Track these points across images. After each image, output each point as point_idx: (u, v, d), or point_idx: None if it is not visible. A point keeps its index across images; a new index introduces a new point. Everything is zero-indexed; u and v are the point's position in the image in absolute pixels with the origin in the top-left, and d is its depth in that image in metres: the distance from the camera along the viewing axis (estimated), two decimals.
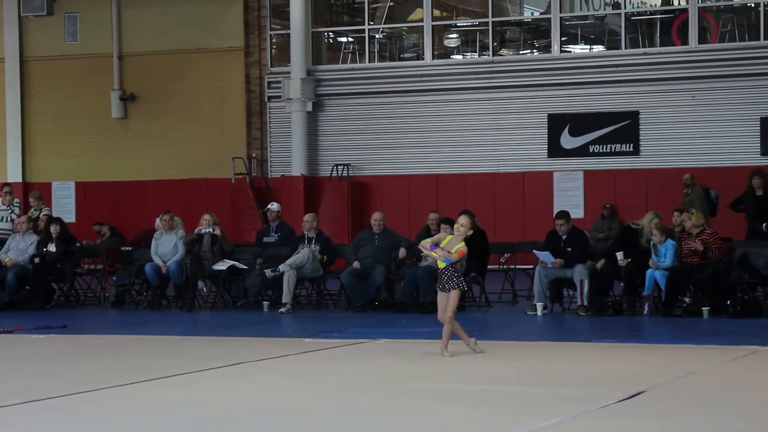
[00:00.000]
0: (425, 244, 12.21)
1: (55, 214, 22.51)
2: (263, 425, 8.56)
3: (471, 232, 12.13)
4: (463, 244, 11.96)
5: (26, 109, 30.45)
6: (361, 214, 26.48)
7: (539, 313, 16.97)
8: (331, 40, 29.77)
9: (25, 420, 8.83)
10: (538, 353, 12.87)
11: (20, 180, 29.89)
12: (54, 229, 19.35)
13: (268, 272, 18.01)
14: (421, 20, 27.87)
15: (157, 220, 19.65)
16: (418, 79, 27.54)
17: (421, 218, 20.13)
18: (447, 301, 11.96)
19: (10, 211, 21.46)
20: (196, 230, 18.89)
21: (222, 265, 18.61)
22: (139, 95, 29.52)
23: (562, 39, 27.02)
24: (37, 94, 30.35)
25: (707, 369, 11.32)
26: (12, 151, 30.46)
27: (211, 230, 18.67)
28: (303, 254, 18.10)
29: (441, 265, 12.03)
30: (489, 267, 18.72)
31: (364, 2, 28.25)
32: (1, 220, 21.54)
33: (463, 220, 12.11)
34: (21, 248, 19.19)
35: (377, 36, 28.76)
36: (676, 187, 24.39)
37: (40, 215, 21.31)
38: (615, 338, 14.09)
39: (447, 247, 11.97)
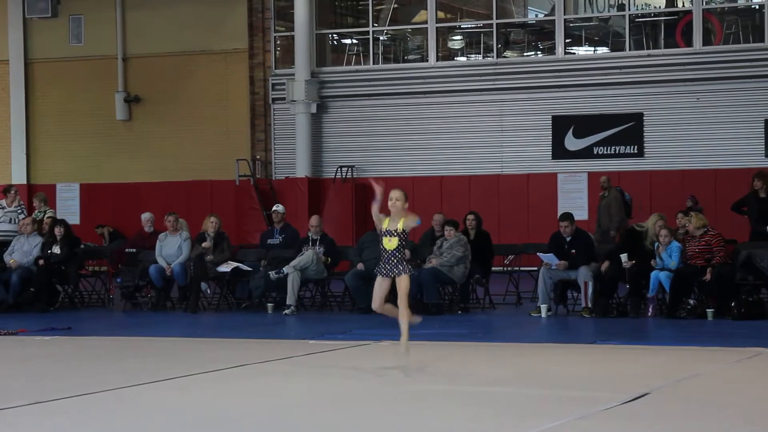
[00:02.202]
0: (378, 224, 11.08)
1: (59, 216, 22.54)
2: (267, 427, 8.56)
3: (406, 205, 11.03)
4: (409, 218, 10.92)
5: (31, 110, 30.49)
6: (365, 216, 26.44)
7: (543, 314, 16.96)
8: (335, 42, 29.78)
9: (29, 422, 8.84)
10: (543, 355, 12.86)
11: (24, 181, 29.92)
12: (58, 231, 19.36)
13: (272, 274, 18.02)
14: (426, 22, 27.88)
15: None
16: (422, 80, 27.55)
17: (426, 220, 20.14)
18: (384, 290, 10.95)
19: (15, 212, 21.48)
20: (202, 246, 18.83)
21: (226, 267, 18.61)
22: (143, 97, 29.55)
23: (567, 41, 27.03)
24: (42, 96, 30.39)
25: (711, 371, 11.31)
26: (16, 152, 30.50)
27: (204, 249, 18.63)
28: (307, 256, 18.11)
29: (390, 246, 10.88)
30: (493, 269, 18.72)
31: (368, 4, 28.27)
32: (8, 221, 21.57)
33: (394, 194, 10.95)
34: (25, 250, 19.20)
35: (381, 38, 28.78)
36: (680, 189, 24.38)
37: (45, 217, 21.33)
38: (619, 340, 14.09)
39: (391, 226, 10.89)
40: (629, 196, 23.85)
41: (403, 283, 10.84)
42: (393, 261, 10.89)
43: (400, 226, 10.85)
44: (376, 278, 11.03)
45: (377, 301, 11.03)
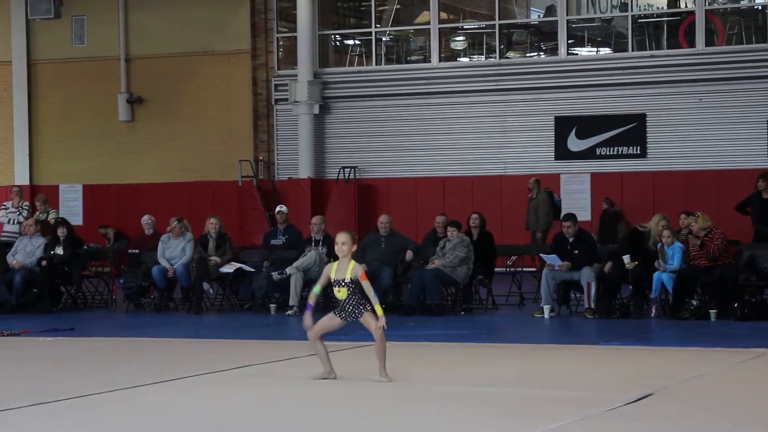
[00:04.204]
0: (311, 299, 10.66)
1: (61, 217, 22.55)
2: (270, 428, 8.57)
3: (355, 248, 10.52)
4: (354, 264, 10.38)
5: (33, 111, 30.50)
6: (368, 217, 26.48)
7: (546, 315, 16.96)
8: (338, 43, 29.79)
9: (32, 422, 8.84)
10: (545, 356, 12.86)
11: (27, 182, 29.93)
12: (61, 231, 19.37)
13: (275, 275, 18.03)
14: (428, 23, 27.87)
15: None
16: (424, 81, 27.55)
17: (428, 221, 20.15)
18: (331, 327, 10.56)
19: (18, 213, 21.51)
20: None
21: (229, 268, 18.62)
22: (146, 98, 29.56)
23: (569, 41, 27.02)
24: (45, 97, 30.40)
25: (714, 372, 11.30)
26: (19, 153, 30.51)
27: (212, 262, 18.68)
28: (310, 257, 18.11)
29: (343, 296, 10.39)
30: (496, 269, 18.72)
31: (371, 5, 28.27)
32: (10, 222, 21.59)
33: (341, 237, 10.44)
34: (28, 251, 19.21)
35: (384, 39, 28.78)
36: (683, 189, 24.37)
37: (48, 218, 21.36)
38: (622, 341, 14.08)
39: (339, 276, 10.35)
40: (558, 198, 23.98)
41: (369, 320, 10.36)
42: (348, 308, 10.41)
43: (348, 274, 10.33)
44: (329, 314, 10.60)
45: (316, 331, 10.51)
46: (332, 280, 10.44)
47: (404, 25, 29.19)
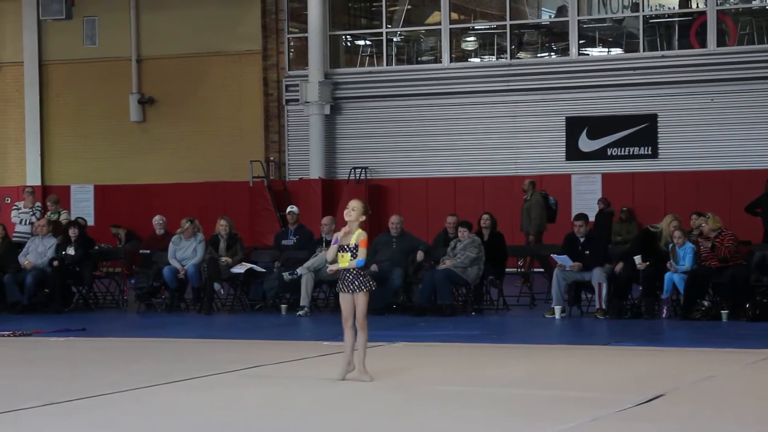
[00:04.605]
0: (329, 255, 10.59)
1: (74, 217, 22.59)
2: (281, 428, 8.58)
3: (364, 218, 10.40)
4: (360, 231, 10.36)
5: (45, 112, 30.55)
6: (379, 217, 26.46)
7: (557, 316, 16.95)
8: (348, 44, 29.79)
9: (44, 422, 8.86)
10: (556, 357, 12.85)
11: (39, 183, 29.98)
12: (72, 232, 19.41)
13: (286, 275, 18.04)
14: (439, 23, 27.87)
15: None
16: (435, 82, 27.54)
17: (439, 221, 20.14)
18: (350, 305, 10.44)
19: (31, 213, 21.55)
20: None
21: (240, 268, 18.64)
22: (157, 98, 29.60)
23: (580, 42, 26.99)
24: (56, 98, 30.46)
25: (726, 373, 11.29)
26: (31, 154, 30.57)
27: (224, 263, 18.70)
28: (321, 257, 18.10)
29: (344, 264, 10.37)
30: (507, 270, 18.71)
31: (381, 5, 28.27)
32: (21, 222, 21.63)
33: (352, 203, 10.43)
34: (40, 251, 19.25)
35: (395, 39, 28.78)
36: (694, 190, 24.32)
37: (59, 218, 21.39)
38: (633, 341, 14.07)
39: (344, 241, 10.36)
40: (554, 200, 23.95)
41: (360, 300, 10.36)
42: (348, 277, 10.38)
43: (353, 240, 10.32)
44: (339, 295, 10.57)
45: (345, 318, 10.51)
46: (338, 246, 10.39)
47: (415, 26, 29.18)
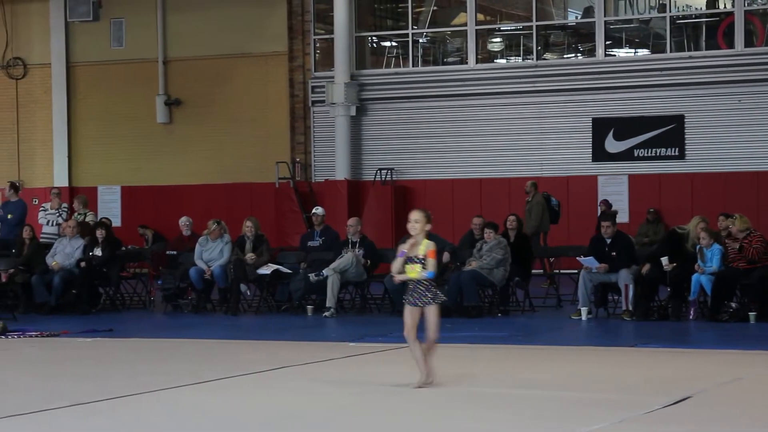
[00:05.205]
0: (395, 268, 10.27)
1: (99, 218, 22.67)
2: (309, 429, 8.58)
3: (429, 227, 10.25)
4: (428, 242, 10.17)
5: (72, 113, 30.69)
6: (405, 219, 26.43)
7: (584, 317, 16.90)
8: (374, 45, 29.80)
9: (71, 423, 8.90)
10: (583, 358, 12.82)
11: (66, 184, 30.12)
12: (100, 233, 19.48)
13: (312, 276, 18.05)
14: (465, 24, 27.85)
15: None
16: (461, 83, 27.52)
17: (465, 222, 20.11)
18: (416, 318, 10.12)
19: (57, 214, 21.65)
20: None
21: (266, 269, 18.66)
22: (183, 100, 29.68)
23: (607, 43, 26.91)
24: (83, 99, 30.59)
25: (754, 375, 11.23)
26: (58, 155, 30.71)
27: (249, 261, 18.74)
28: (347, 258, 18.12)
29: (413, 275, 10.12)
30: (533, 271, 18.66)
31: (407, 6, 28.27)
32: (48, 224, 21.74)
33: (414, 215, 10.28)
34: (67, 252, 19.33)
35: (421, 40, 28.77)
36: (722, 191, 24.20)
37: (86, 219, 21.48)
38: (660, 343, 14.01)
39: (412, 253, 10.17)
40: (557, 201, 23.90)
41: (431, 314, 10.11)
42: (420, 289, 10.13)
43: (421, 251, 10.12)
44: (405, 307, 10.23)
45: (408, 329, 10.14)
46: (405, 258, 10.14)
47: (441, 27, 29.16)
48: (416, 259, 10.16)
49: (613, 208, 24.30)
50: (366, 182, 27.81)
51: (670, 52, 26.20)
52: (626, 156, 26.23)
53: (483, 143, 27.24)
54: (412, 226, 10.22)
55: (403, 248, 10.25)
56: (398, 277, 10.30)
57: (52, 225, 21.53)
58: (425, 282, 10.13)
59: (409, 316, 10.15)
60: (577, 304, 17.38)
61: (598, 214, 24.93)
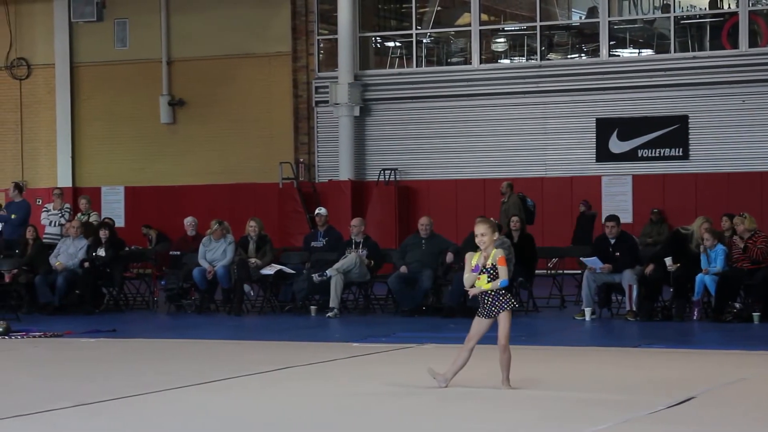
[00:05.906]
0: (468, 282, 10.05)
1: (102, 218, 22.66)
2: (313, 429, 8.58)
3: (496, 235, 10.11)
4: (496, 250, 10.01)
5: (76, 114, 30.71)
6: (409, 219, 26.47)
7: (588, 318, 16.89)
8: (378, 45, 29.80)
9: (75, 423, 8.89)
10: (587, 358, 12.81)
11: (70, 184, 30.15)
12: (103, 233, 19.49)
13: (315, 277, 18.05)
14: (469, 25, 27.84)
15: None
16: (465, 83, 27.51)
17: (469, 222, 20.00)
18: (481, 330, 10.04)
19: (60, 215, 21.65)
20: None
21: (270, 270, 18.66)
22: (187, 100, 29.70)
23: (611, 43, 26.90)
24: (87, 100, 30.61)
25: (758, 375, 11.22)
26: (62, 155, 30.74)
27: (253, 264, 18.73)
28: (350, 259, 18.12)
29: (482, 283, 9.96)
30: (537, 272, 18.65)
31: (411, 7, 28.27)
32: (51, 224, 21.74)
33: (479, 229, 10.03)
34: (71, 252, 19.33)
35: (425, 40, 28.77)
36: (725, 192, 24.17)
37: (89, 219, 21.48)
38: (664, 344, 14.00)
39: (480, 262, 9.99)
40: (532, 202, 23.90)
41: (503, 321, 9.91)
42: (488, 301, 9.95)
43: (489, 261, 9.90)
44: (475, 318, 10.09)
45: (471, 338, 10.04)
46: (472, 268, 9.98)
47: (445, 27, 29.16)
48: (484, 269, 9.98)
49: (610, 211, 24.26)
50: (369, 182, 27.81)
51: (674, 52, 26.19)
52: (630, 156, 26.22)
53: (487, 144, 27.24)
54: (480, 240, 9.99)
55: (478, 262, 9.99)
56: (472, 291, 10.10)
57: (55, 225, 21.53)
58: (491, 292, 9.93)
59: (475, 325, 10.06)
60: (580, 304, 17.38)
61: (578, 215, 25.03)
